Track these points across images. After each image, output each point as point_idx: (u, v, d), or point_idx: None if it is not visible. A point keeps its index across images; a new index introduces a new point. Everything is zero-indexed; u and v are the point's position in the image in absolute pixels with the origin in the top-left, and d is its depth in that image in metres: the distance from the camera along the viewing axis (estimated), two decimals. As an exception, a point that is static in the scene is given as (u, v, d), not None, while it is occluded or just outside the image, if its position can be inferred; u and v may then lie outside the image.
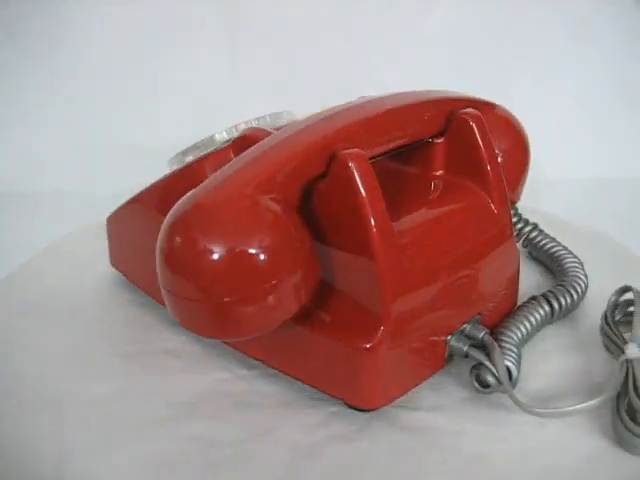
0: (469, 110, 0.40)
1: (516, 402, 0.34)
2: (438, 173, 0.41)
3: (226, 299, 0.31)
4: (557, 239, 0.50)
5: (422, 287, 0.35)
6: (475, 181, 0.40)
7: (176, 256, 0.31)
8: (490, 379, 0.36)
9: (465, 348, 0.37)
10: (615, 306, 0.42)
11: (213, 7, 0.63)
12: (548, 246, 0.50)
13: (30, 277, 0.49)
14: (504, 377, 0.35)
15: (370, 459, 0.33)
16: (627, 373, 0.35)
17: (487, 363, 0.36)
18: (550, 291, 0.44)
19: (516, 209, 0.50)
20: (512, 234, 0.41)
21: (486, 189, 0.39)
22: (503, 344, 0.38)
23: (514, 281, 0.43)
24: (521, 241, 0.50)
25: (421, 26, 0.70)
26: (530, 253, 0.51)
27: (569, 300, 0.43)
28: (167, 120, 0.57)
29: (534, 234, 0.51)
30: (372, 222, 0.32)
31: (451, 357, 0.38)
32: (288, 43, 0.67)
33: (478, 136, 0.39)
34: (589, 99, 0.69)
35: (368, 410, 0.36)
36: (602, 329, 0.41)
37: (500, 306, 0.42)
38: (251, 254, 0.30)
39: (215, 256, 0.30)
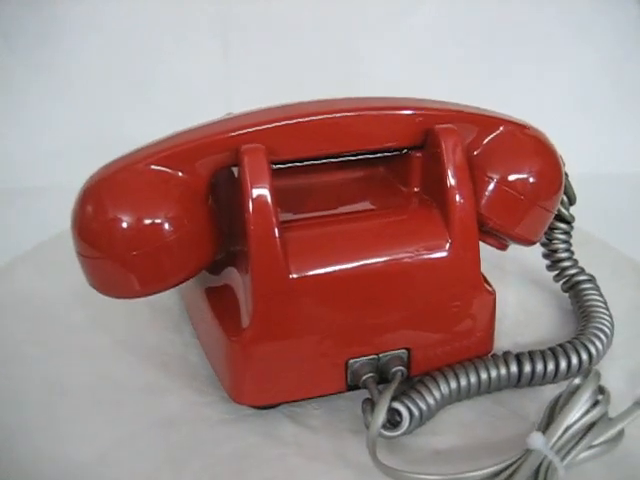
0: (445, 125, 0.35)
1: (369, 449, 0.31)
2: (415, 189, 0.37)
3: (133, 253, 0.32)
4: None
5: (314, 297, 0.33)
6: (440, 209, 0.35)
7: (84, 222, 0.33)
8: (369, 418, 0.33)
9: (364, 377, 0.34)
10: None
11: (205, 4, 0.64)
12: (589, 303, 0.42)
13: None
14: (376, 420, 0.32)
15: (201, 448, 0.33)
16: (519, 465, 0.29)
17: (376, 400, 0.33)
18: (531, 352, 0.37)
19: (576, 261, 0.43)
20: (478, 282, 0.36)
21: (446, 221, 0.35)
22: (419, 388, 0.35)
23: (481, 329, 0.37)
24: (562, 283, 0.44)
25: (414, 21, 0.67)
26: (567, 295, 0.44)
27: (549, 368, 0.36)
28: (162, 116, 0.56)
29: (585, 286, 0.43)
30: (252, 218, 0.32)
31: (363, 384, 0.35)
32: (279, 40, 0.65)
33: (445, 155, 0.35)
34: (581, 93, 0.68)
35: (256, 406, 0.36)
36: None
37: (453, 350, 0.37)
38: (138, 216, 0.32)
39: (114, 218, 0.32)
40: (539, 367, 0.36)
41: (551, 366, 0.37)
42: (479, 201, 0.37)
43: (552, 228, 0.43)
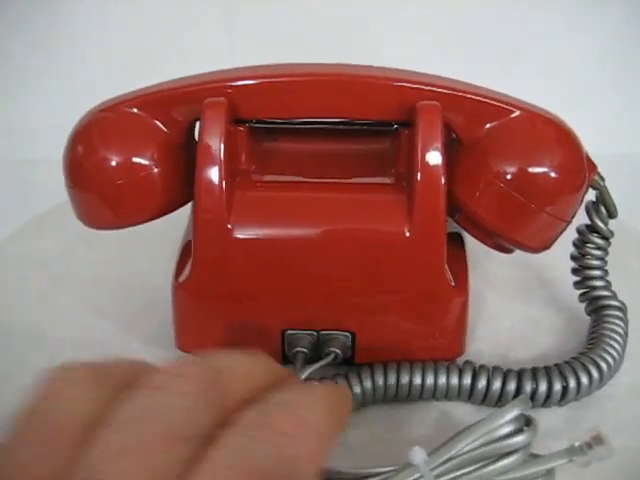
0: (428, 102, 0.32)
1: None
2: (401, 169, 0.35)
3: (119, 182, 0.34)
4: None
5: (252, 256, 0.32)
6: (408, 193, 0.32)
7: (70, 158, 0.35)
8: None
9: (295, 350, 0.33)
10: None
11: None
12: (603, 332, 0.36)
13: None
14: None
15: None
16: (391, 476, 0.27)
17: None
18: (494, 368, 0.33)
19: (609, 283, 0.38)
20: (441, 279, 0.33)
21: (410, 206, 0.32)
22: (349, 375, 0.33)
23: (444, 330, 0.34)
24: (587, 304, 0.38)
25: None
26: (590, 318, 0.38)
27: (507, 388, 0.32)
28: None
29: (611, 312, 0.37)
30: (200, 168, 0.32)
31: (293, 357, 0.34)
32: (282, 14, 0.61)
33: (419, 134, 0.32)
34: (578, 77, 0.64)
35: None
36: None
37: (410, 347, 0.34)
38: (114, 153, 0.34)
39: (93, 154, 0.35)
40: (495, 385, 0.32)
41: (511, 387, 0.32)
42: (473, 196, 0.33)
43: (585, 242, 0.38)
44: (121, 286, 0.43)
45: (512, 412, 0.27)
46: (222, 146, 0.32)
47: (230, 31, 0.64)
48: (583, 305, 0.38)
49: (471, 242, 0.37)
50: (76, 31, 0.64)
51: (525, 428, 0.27)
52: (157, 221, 0.37)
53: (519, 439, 0.27)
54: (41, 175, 0.51)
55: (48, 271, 0.45)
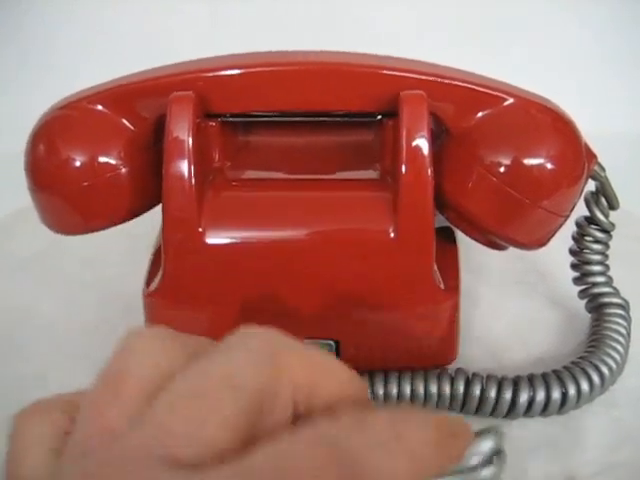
0: (413, 91, 0.30)
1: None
2: (386, 163, 0.32)
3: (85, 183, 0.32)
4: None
5: (229, 261, 0.30)
6: (393, 190, 0.30)
7: (32, 159, 0.32)
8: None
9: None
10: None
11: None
12: (605, 332, 0.34)
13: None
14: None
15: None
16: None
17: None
18: (489, 376, 0.31)
19: (610, 278, 0.35)
20: (429, 280, 0.30)
21: (395, 203, 0.30)
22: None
23: (433, 335, 0.32)
24: (587, 301, 0.36)
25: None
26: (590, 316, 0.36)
27: (503, 398, 0.30)
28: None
29: (612, 310, 0.35)
30: (170, 166, 0.29)
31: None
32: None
33: (403, 126, 0.29)
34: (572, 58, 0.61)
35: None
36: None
37: (398, 354, 0.32)
38: (78, 153, 0.32)
39: (55, 154, 0.33)
40: (490, 394, 0.30)
41: (506, 395, 0.30)
42: (463, 191, 0.31)
43: (584, 234, 0.35)
44: (97, 289, 0.41)
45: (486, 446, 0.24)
46: (190, 140, 0.29)
47: (215, 23, 0.62)
48: (583, 301, 0.36)
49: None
50: (59, 27, 0.63)
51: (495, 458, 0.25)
52: (140, 219, 0.34)
53: (487, 471, 0.24)
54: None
55: (20, 272, 0.43)
